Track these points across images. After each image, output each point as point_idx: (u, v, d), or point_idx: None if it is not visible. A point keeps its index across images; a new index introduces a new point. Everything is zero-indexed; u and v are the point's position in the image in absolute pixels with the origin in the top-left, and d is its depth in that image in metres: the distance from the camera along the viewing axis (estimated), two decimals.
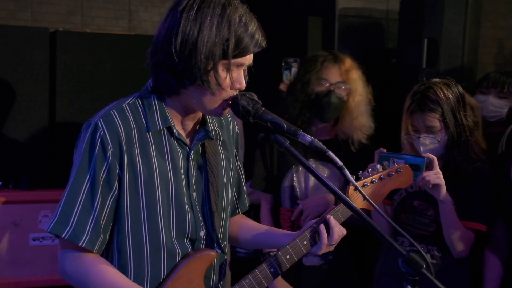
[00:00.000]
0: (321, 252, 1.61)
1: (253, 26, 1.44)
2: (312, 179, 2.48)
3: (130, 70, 3.18)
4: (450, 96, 2.17)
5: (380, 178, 1.78)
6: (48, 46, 3.29)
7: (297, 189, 2.50)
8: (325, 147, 1.43)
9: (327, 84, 2.45)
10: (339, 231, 1.60)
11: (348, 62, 2.49)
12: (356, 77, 2.48)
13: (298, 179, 2.50)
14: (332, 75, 2.46)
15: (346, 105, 2.46)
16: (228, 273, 2.95)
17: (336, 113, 2.47)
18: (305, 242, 1.60)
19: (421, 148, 2.17)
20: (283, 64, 2.94)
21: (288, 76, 2.97)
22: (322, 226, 1.60)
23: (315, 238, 1.60)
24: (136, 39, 3.51)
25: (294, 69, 2.94)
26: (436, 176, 2.04)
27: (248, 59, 1.47)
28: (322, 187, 2.43)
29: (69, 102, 3.33)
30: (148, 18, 3.96)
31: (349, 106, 2.46)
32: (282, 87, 2.89)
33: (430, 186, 2.05)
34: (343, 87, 2.45)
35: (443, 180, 2.05)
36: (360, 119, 2.47)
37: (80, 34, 3.45)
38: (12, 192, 3.02)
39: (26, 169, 3.21)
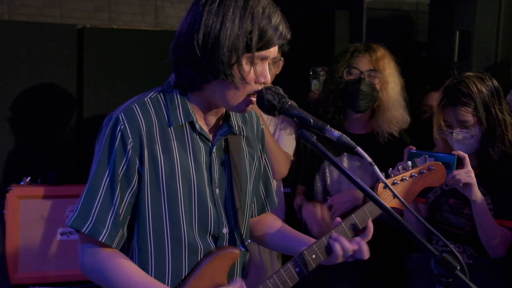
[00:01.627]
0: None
1: (276, 18, 1.40)
2: None
3: (157, 65, 3.15)
4: (483, 89, 2.10)
5: (411, 176, 1.72)
6: (76, 42, 3.33)
7: (329, 183, 2.47)
8: (353, 143, 1.38)
9: (357, 72, 2.41)
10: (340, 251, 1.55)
11: (381, 51, 2.43)
12: (389, 66, 2.42)
13: (331, 173, 2.46)
14: (363, 63, 2.42)
15: (379, 95, 2.40)
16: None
17: (368, 102, 2.41)
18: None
19: (455, 144, 2.10)
20: (311, 73, 2.84)
21: (316, 86, 2.88)
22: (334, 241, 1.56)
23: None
24: (162, 35, 3.52)
25: (322, 78, 2.85)
26: (467, 174, 1.97)
27: (273, 51, 1.43)
28: None
29: (96, 97, 3.36)
30: (174, 14, 3.95)
31: (382, 96, 2.40)
32: (311, 96, 2.80)
33: (461, 185, 1.98)
34: (374, 76, 2.40)
35: (474, 179, 1.97)
36: (393, 110, 2.40)
37: (107, 30, 3.48)
38: (40, 187, 3.06)
39: (54, 164, 3.25)
